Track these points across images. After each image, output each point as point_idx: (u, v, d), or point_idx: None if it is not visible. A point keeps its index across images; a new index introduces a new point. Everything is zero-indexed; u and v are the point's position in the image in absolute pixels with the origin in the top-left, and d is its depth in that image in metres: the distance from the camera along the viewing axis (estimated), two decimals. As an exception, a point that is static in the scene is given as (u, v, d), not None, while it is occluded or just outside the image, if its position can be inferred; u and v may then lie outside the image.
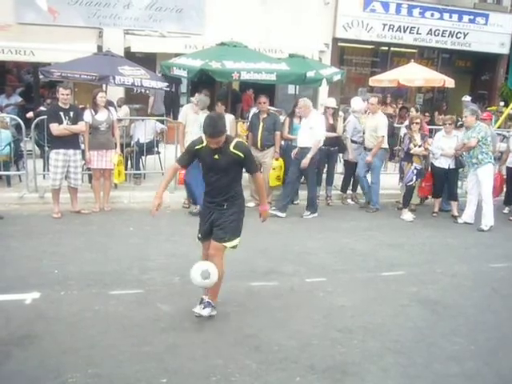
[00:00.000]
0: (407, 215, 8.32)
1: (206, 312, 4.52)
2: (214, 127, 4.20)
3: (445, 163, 8.42)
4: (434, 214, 8.66)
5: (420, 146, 8.16)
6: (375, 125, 8.39)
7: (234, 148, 4.33)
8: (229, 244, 4.53)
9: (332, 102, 9.02)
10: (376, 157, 8.47)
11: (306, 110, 7.99)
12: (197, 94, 8.44)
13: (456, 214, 8.45)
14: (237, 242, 4.59)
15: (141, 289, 5.15)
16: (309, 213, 8.09)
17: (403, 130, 9.05)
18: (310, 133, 7.87)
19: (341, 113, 9.12)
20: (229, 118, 8.39)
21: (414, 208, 8.78)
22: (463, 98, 13.84)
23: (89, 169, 7.94)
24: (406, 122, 9.25)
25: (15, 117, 9.12)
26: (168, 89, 9.78)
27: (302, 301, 5.01)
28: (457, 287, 5.70)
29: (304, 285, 5.41)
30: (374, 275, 5.88)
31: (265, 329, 4.48)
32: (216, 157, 4.34)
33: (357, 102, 9.31)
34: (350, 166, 9.06)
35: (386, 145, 8.55)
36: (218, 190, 4.49)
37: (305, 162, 7.82)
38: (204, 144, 4.37)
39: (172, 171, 4.77)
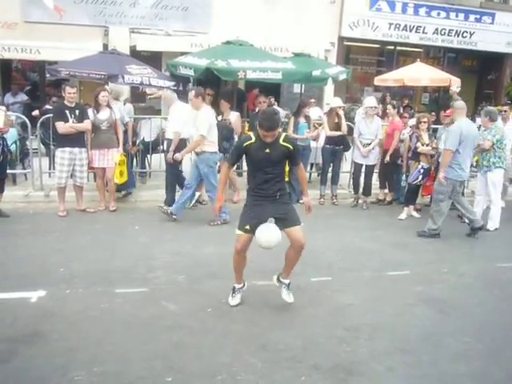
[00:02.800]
0: (403, 214, 8.30)
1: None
2: (272, 121, 4.40)
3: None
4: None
5: (427, 145, 8.14)
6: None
7: (283, 141, 4.54)
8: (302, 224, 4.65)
9: (337, 102, 8.99)
10: None
11: (170, 102, 8.01)
12: (110, 84, 8.42)
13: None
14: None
15: (146, 287, 5.15)
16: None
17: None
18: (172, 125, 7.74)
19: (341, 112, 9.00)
20: (234, 116, 8.41)
21: (420, 207, 8.75)
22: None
23: (92, 167, 7.94)
24: (411, 122, 9.20)
25: (21, 115, 9.14)
26: (175, 88, 9.77)
27: (308, 300, 5.00)
28: (463, 286, 5.67)
29: (310, 284, 5.40)
30: (380, 274, 5.86)
31: (270, 328, 4.47)
32: (267, 151, 4.51)
33: (370, 101, 8.98)
34: (357, 168, 8.95)
35: None
36: (270, 183, 4.62)
37: (169, 156, 7.62)
38: (253, 140, 4.56)
39: (225, 171, 4.93)
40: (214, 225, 7.24)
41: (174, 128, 7.69)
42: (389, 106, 9.24)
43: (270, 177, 4.60)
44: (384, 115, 10.38)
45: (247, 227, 4.62)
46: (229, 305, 4.83)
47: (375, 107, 8.86)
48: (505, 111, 8.30)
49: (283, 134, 4.66)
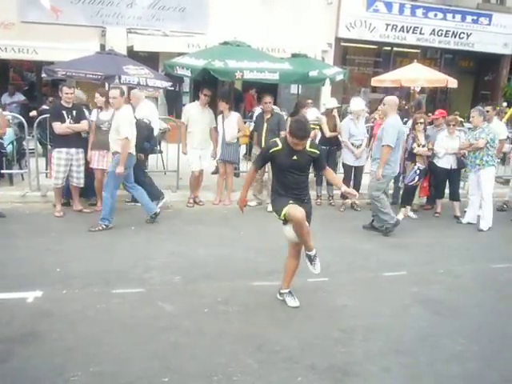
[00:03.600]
0: (400, 215, 8.31)
1: (318, 267, 4.82)
2: (305, 131, 4.51)
3: (447, 164, 8.42)
4: (437, 215, 8.64)
5: (423, 146, 8.16)
6: None
7: (310, 147, 4.64)
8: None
9: (333, 103, 8.97)
10: None
11: (137, 101, 8.03)
12: (76, 90, 8.24)
13: (458, 214, 8.44)
14: None
15: (143, 288, 5.15)
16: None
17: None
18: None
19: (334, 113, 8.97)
20: (235, 117, 8.40)
21: (417, 208, 8.77)
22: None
23: (90, 168, 7.92)
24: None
25: (18, 115, 9.13)
26: (172, 88, 9.77)
27: (304, 301, 5.00)
28: (459, 288, 5.69)
29: (306, 285, 5.40)
30: (376, 275, 5.87)
31: (266, 328, 4.48)
32: (295, 158, 4.59)
33: (357, 103, 8.91)
34: (348, 170, 8.71)
35: None
36: (298, 188, 4.73)
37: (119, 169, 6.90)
38: (280, 147, 4.62)
39: (251, 174, 5.13)
40: (95, 230, 6.79)
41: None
42: (380, 107, 9.13)
43: (297, 182, 4.70)
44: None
45: (290, 201, 4.62)
46: (225, 305, 4.83)
47: (335, 107, 8.90)
48: (487, 111, 8.33)
49: (309, 140, 4.68)
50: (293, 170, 4.64)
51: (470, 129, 8.34)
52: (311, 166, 4.83)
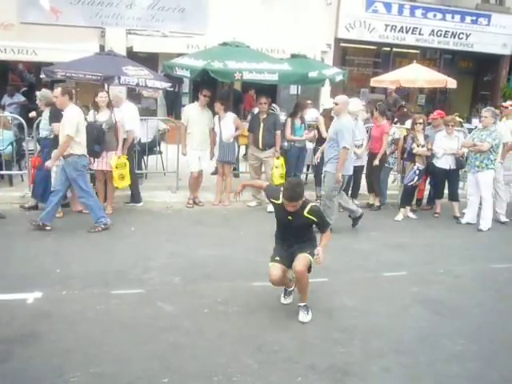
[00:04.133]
0: (399, 215, 8.33)
1: (310, 316, 4.69)
2: (293, 192, 4.33)
3: (445, 164, 8.41)
4: (436, 215, 8.64)
5: (423, 147, 8.17)
6: None
7: (308, 213, 4.46)
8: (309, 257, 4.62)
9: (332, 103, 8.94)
10: None
11: (118, 102, 7.94)
12: (43, 89, 8.28)
13: (458, 214, 8.44)
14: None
15: (142, 288, 5.15)
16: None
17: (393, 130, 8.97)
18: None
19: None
20: (231, 117, 8.42)
21: (416, 208, 8.78)
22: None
23: (91, 169, 7.91)
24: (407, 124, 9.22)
25: (17, 116, 9.12)
26: (172, 89, 9.77)
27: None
28: (459, 288, 5.69)
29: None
30: (376, 275, 5.87)
31: (266, 329, 4.48)
32: (290, 218, 4.51)
33: (354, 104, 8.92)
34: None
35: None
36: (289, 241, 4.71)
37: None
38: (279, 201, 4.55)
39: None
40: (94, 231, 6.76)
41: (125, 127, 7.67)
42: (373, 108, 9.08)
43: (291, 238, 4.69)
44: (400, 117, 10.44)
45: (277, 258, 4.68)
46: (225, 306, 4.83)
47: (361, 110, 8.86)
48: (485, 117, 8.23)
49: (309, 205, 4.50)
50: (287, 227, 4.64)
51: (475, 127, 8.24)
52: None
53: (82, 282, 5.21)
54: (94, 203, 6.88)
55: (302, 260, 4.53)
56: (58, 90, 6.82)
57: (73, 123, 6.57)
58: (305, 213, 4.45)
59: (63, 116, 6.66)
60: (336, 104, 7.22)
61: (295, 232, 4.63)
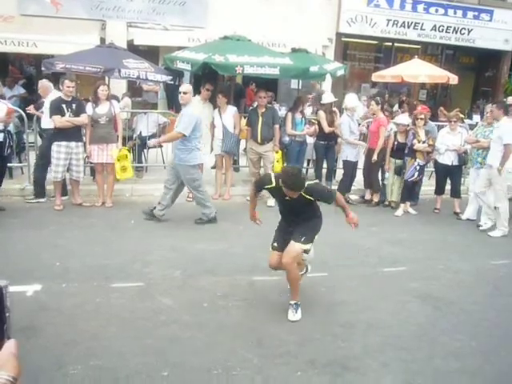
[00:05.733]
0: (399, 210, 8.34)
1: (299, 315, 4.60)
2: (295, 183, 4.17)
3: (448, 160, 8.40)
4: (436, 211, 8.64)
5: (424, 142, 8.15)
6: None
7: (305, 193, 4.32)
8: (303, 246, 4.56)
9: (329, 98, 8.93)
10: None
11: (46, 92, 7.89)
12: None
13: (458, 210, 8.44)
14: (308, 247, 4.63)
15: (142, 282, 5.16)
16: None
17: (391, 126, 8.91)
18: None
19: (334, 108, 8.96)
20: (232, 110, 8.41)
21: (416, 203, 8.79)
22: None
23: (91, 162, 7.92)
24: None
25: (17, 108, 9.09)
26: (172, 82, 9.75)
27: (304, 296, 4.98)
28: (459, 284, 5.70)
29: (305, 280, 5.38)
30: (375, 271, 5.88)
31: (266, 323, 4.49)
32: (287, 198, 4.38)
33: (351, 99, 8.89)
34: (350, 166, 8.73)
35: None
36: (291, 217, 4.69)
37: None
38: (273, 185, 4.45)
39: (252, 194, 5.06)
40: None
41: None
42: (372, 102, 8.92)
43: (292, 214, 4.64)
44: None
45: (274, 244, 4.72)
46: (225, 300, 4.84)
47: (332, 102, 8.84)
48: (491, 111, 8.12)
49: (308, 183, 4.37)
50: (286, 206, 4.60)
51: (476, 123, 8.16)
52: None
53: (81, 275, 5.21)
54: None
55: (290, 251, 4.47)
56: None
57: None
58: (302, 193, 4.30)
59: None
60: (185, 93, 6.88)
61: (296, 210, 4.58)
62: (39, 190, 7.70)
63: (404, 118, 8.74)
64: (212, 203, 7.38)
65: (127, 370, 3.68)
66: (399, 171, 8.43)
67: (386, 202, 8.74)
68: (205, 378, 3.66)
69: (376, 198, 8.83)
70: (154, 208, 7.11)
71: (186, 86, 7.13)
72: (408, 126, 8.43)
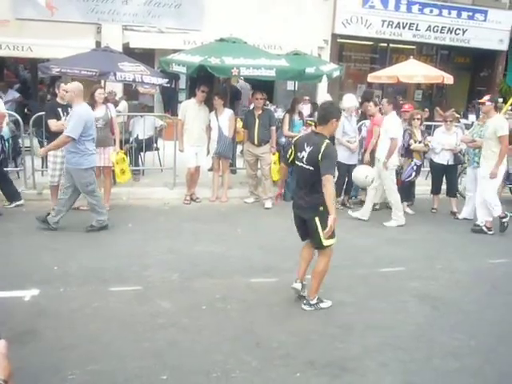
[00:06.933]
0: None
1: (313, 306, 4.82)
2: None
3: (444, 159, 8.42)
4: (434, 210, 8.66)
5: (420, 142, 8.17)
6: None
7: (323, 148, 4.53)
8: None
9: (349, 102, 8.82)
10: None
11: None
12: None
13: (455, 210, 8.46)
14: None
15: (140, 285, 5.14)
16: None
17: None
18: None
19: None
20: (228, 113, 8.41)
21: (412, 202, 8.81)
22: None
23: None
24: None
25: (13, 113, 9.08)
26: (168, 85, 9.75)
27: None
28: (457, 283, 5.70)
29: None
30: (373, 271, 5.88)
31: (264, 325, 4.48)
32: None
33: (349, 99, 8.80)
34: (342, 169, 8.41)
35: None
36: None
37: None
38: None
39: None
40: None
41: None
42: (371, 104, 8.75)
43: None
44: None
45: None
46: (223, 302, 4.83)
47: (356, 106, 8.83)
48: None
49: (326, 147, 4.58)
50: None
51: (472, 123, 8.16)
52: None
53: (79, 279, 5.20)
54: None
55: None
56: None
57: None
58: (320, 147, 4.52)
59: None
60: (66, 92, 6.60)
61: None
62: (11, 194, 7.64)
63: None
64: (106, 210, 6.85)
65: (126, 373, 3.67)
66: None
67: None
68: (204, 381, 3.65)
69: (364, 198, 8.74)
70: (48, 214, 6.66)
71: (70, 84, 6.75)
72: None
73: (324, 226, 4.45)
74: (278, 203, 6.41)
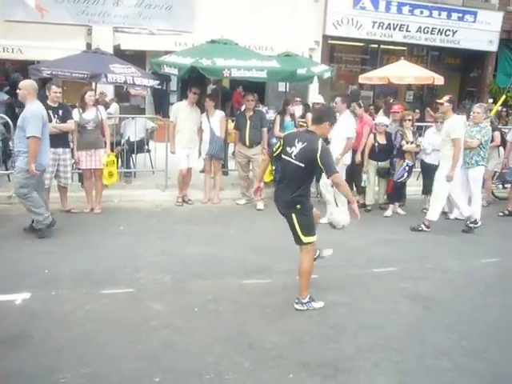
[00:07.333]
0: (389, 211, 8.41)
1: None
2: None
3: (435, 160, 8.44)
4: (425, 211, 8.65)
5: (412, 143, 8.21)
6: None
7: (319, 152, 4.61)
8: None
9: (318, 98, 8.93)
10: None
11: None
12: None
13: (446, 210, 8.49)
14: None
15: (132, 287, 5.12)
16: None
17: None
18: None
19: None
20: (219, 114, 8.41)
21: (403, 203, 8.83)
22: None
23: (79, 168, 7.87)
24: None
25: (3, 115, 9.03)
26: (160, 87, 9.73)
27: (294, 297, 5.00)
28: (448, 283, 5.73)
29: (295, 281, 5.39)
30: (365, 271, 5.90)
31: (257, 326, 4.48)
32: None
33: (318, 98, 8.96)
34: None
35: None
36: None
37: None
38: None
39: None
40: None
41: None
42: (355, 106, 8.57)
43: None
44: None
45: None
46: (215, 304, 4.83)
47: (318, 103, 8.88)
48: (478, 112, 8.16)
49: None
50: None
51: (468, 125, 8.15)
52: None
53: (70, 281, 5.17)
54: None
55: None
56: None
57: None
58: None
59: None
60: (19, 89, 6.38)
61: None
62: None
63: (383, 118, 8.78)
64: (44, 208, 6.48)
65: (119, 376, 3.66)
66: (385, 173, 8.46)
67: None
68: (197, 382, 3.64)
69: (361, 200, 8.76)
70: (33, 222, 6.53)
71: (23, 81, 6.56)
72: (387, 126, 8.48)
73: (301, 224, 4.65)
74: (256, 197, 6.56)
